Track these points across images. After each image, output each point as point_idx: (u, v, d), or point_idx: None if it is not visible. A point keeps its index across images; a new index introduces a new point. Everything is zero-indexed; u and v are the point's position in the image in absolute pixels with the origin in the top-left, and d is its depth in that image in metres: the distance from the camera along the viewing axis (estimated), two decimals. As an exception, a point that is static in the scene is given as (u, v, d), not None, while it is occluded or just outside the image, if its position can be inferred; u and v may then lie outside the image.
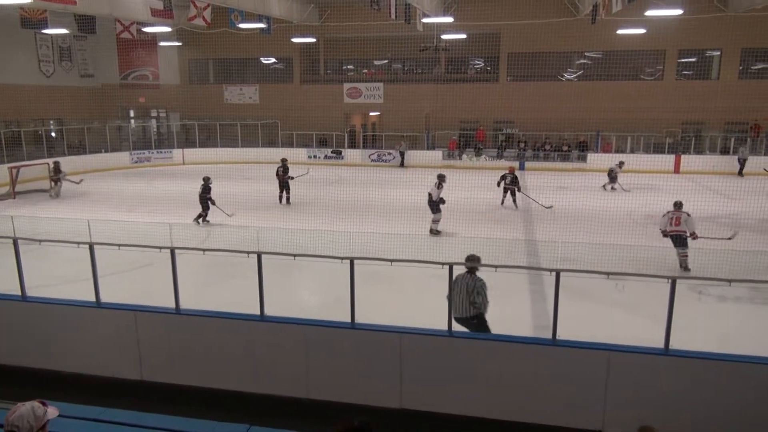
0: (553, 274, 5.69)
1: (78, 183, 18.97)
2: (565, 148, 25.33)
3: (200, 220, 14.44)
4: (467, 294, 6.29)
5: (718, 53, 25.14)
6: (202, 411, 5.57)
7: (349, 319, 6.14)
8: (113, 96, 29.35)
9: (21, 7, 17.84)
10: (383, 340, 6.11)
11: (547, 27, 23.33)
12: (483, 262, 6.46)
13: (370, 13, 20.54)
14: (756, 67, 25.10)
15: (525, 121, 26.36)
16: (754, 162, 22.52)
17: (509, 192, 16.43)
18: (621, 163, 19.93)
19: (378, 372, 6.15)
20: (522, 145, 26.08)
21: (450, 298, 6.23)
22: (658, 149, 24.96)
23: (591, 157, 24.26)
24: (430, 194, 13.44)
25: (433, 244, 8.90)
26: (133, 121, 30.80)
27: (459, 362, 5.93)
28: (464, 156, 26.19)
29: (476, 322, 6.38)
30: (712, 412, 5.39)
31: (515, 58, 26.60)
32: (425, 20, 21.20)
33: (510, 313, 6.98)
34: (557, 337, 5.69)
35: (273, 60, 29.74)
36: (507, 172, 16.55)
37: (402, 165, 26.09)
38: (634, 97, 24.70)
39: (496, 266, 6.16)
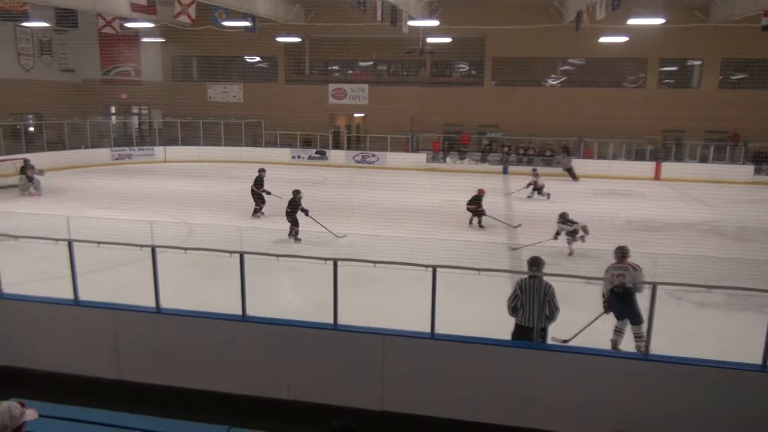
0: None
1: (41, 175, 18.52)
2: (548, 153, 25.54)
3: (258, 214, 15.04)
4: (540, 302, 6.05)
5: (699, 63, 25.59)
6: (182, 412, 5.50)
7: (332, 321, 6.12)
8: (94, 91, 28.84)
9: (1, -1, 17.52)
10: (366, 342, 6.09)
11: (532, 33, 23.54)
12: (463, 265, 6.45)
13: (356, 14, 20.54)
14: (736, 77, 25.60)
15: (509, 125, 26.57)
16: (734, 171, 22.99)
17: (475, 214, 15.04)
18: (534, 171, 19.73)
19: (360, 374, 6.13)
20: (506, 149, 26.25)
21: (517, 306, 6.12)
22: (640, 156, 25.30)
23: (573, 162, 24.50)
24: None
25: (417, 246, 8.95)
26: (114, 117, 30.39)
27: (442, 364, 5.93)
28: (448, 159, 26.29)
29: (544, 332, 6.20)
30: (689, 417, 5.46)
31: (500, 62, 26.81)
32: (411, 23, 21.25)
33: (493, 315, 6.98)
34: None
35: (258, 59, 29.57)
36: (477, 194, 15.13)
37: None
38: (616, 104, 25.03)
39: (479, 269, 6.16)
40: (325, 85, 28.76)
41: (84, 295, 6.71)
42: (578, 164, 23.88)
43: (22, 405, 2.74)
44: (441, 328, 6.03)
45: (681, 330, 7.72)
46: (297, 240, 12.77)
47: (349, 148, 28.09)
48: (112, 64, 29.61)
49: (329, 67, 30.58)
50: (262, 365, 6.32)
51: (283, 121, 27.33)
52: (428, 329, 5.99)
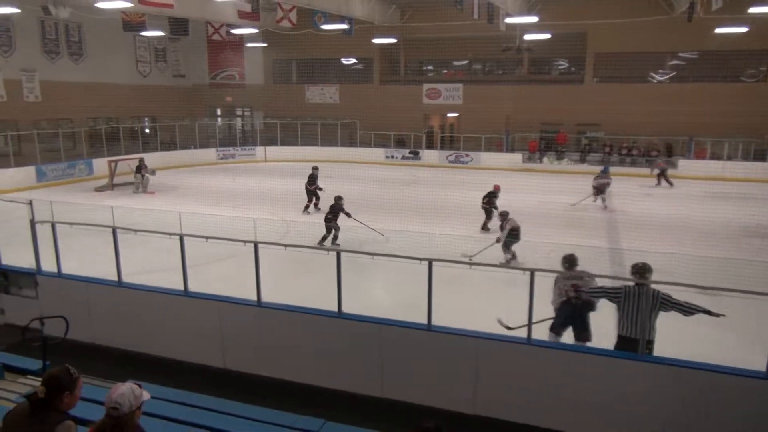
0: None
1: (153, 175, 19.96)
2: (654, 153, 24.09)
3: (311, 208, 15.56)
4: (647, 311, 5.64)
5: (832, 53, 23.12)
6: (280, 402, 5.70)
7: (425, 321, 6.11)
8: (202, 95, 30.79)
9: (123, 11, 19.03)
10: (460, 344, 6.02)
11: (638, 26, 22.26)
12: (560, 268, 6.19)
13: (451, 13, 20.40)
14: None
15: (611, 123, 25.28)
16: None
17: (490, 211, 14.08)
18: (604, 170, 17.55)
19: (453, 376, 6.07)
20: (607, 149, 25.06)
21: (627, 314, 5.75)
22: (758, 156, 23.23)
23: (683, 163, 22.94)
24: None
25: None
26: (219, 119, 32.17)
27: (538, 371, 5.75)
28: (545, 159, 25.51)
29: (650, 344, 5.71)
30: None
31: (602, 58, 25.57)
32: (508, 20, 20.82)
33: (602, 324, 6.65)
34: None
35: (354, 60, 30.15)
36: (492, 190, 14.25)
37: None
38: (732, 100, 23.08)
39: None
40: (420, 85, 28.82)
41: (192, 287, 7.14)
42: (689, 165, 22.34)
43: (140, 386, 2.93)
44: (536, 334, 5.86)
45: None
46: (335, 244, 12.27)
47: (442, 148, 27.98)
48: (218, 69, 31.35)
49: (424, 67, 30.63)
50: (356, 362, 6.42)
51: (377, 121, 27.67)
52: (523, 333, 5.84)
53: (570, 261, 6.70)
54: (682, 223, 13.33)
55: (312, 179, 15.87)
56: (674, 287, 5.75)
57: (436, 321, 6.13)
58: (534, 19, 21.09)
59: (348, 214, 12.76)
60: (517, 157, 25.68)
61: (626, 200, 17.73)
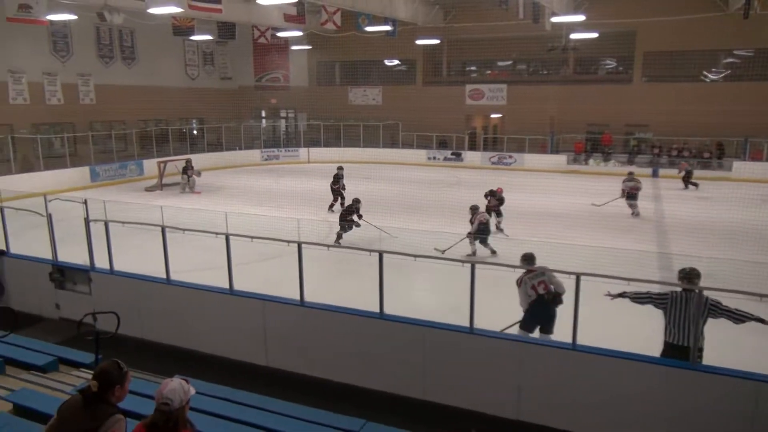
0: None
1: (198, 176, 20.44)
2: (707, 154, 23.25)
3: (333, 209, 15.85)
4: (696, 318, 5.38)
5: None
6: (322, 401, 5.74)
7: (467, 324, 6.05)
8: (248, 97, 31.41)
9: (173, 16, 19.57)
10: (503, 349, 5.94)
11: (691, 23, 21.54)
12: (608, 273, 6.01)
13: (496, 13, 20.21)
14: None
15: (660, 124, 24.49)
16: None
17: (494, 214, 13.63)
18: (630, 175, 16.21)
19: (496, 381, 5.99)
20: (656, 150, 24.32)
21: (675, 321, 5.54)
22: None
23: (737, 165, 22.04)
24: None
25: (558, 251, 8.55)
26: (264, 120, 32.73)
27: (583, 378, 5.62)
28: (591, 160, 24.94)
29: (700, 352, 5.48)
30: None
31: (652, 57, 24.83)
32: (554, 19, 20.44)
33: (645, 330, 6.46)
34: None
35: (397, 62, 30.19)
36: (496, 190, 13.90)
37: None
38: (793, 99, 22.07)
39: (628, 279, 5.73)
40: (463, 86, 28.61)
41: (237, 285, 7.28)
42: (744, 167, 21.43)
43: (187, 381, 3.00)
44: (581, 340, 5.72)
45: None
46: (337, 243, 12.21)
47: (485, 149, 27.71)
48: (263, 72, 31.89)
49: (467, 68, 30.39)
50: (398, 363, 6.42)
51: (419, 122, 27.62)
52: (568, 340, 5.71)
53: (528, 259, 6.79)
54: (735, 227, 12.79)
55: (336, 179, 16.39)
56: (725, 294, 5.52)
57: (479, 324, 6.07)
58: (581, 17, 20.64)
59: (360, 216, 12.96)
60: (561, 159, 25.20)
61: (677, 203, 17.17)
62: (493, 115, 29.15)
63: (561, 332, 5.87)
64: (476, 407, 6.03)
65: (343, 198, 16.08)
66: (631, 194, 15.68)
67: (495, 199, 13.63)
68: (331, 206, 16.28)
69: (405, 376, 6.40)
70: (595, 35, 22.36)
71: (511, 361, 5.89)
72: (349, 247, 7.56)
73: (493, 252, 11.32)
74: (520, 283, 6.66)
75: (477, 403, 6.05)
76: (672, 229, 14.13)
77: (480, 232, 11.29)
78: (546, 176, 22.00)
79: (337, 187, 16.33)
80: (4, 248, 9.07)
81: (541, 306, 6.53)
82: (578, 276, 5.59)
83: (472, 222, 11.56)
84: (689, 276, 5.64)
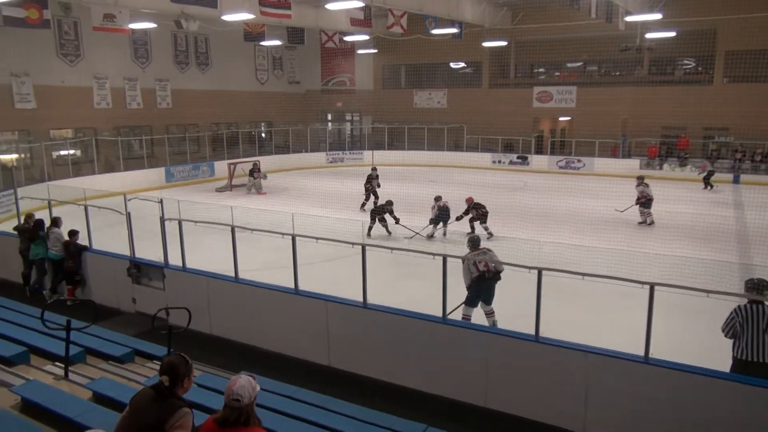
0: None
1: (264, 178, 20.97)
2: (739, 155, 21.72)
3: (364, 208, 16.42)
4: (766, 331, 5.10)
5: None
6: (383, 403, 5.75)
7: (533, 332, 5.91)
8: (315, 101, 32.02)
9: (245, 23, 20.22)
10: (567, 358, 5.76)
11: (777, 21, 20.24)
12: (689, 284, 5.71)
13: (566, 13, 19.68)
14: None
15: (743, 128, 23.05)
16: None
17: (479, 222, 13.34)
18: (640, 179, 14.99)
19: (560, 391, 5.81)
20: (738, 155, 22.95)
21: (737, 331, 5.27)
22: None
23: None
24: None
25: (627, 260, 8.21)
26: (330, 123, 33.27)
27: (656, 393, 5.36)
28: (665, 165, 23.82)
29: None
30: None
31: (734, 56, 23.45)
32: (628, 18, 19.70)
33: (719, 343, 6.11)
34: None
35: (462, 64, 29.96)
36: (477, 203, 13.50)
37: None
38: None
39: (707, 291, 5.42)
40: (530, 88, 28.02)
41: (302, 285, 7.40)
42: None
43: (253, 378, 3.06)
44: (655, 352, 5.46)
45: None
46: (368, 236, 13.21)
47: (552, 153, 27.02)
48: (330, 75, 32.42)
49: (535, 70, 29.75)
50: (460, 369, 6.33)
51: (485, 125, 27.27)
52: (638, 351, 5.46)
53: (474, 242, 7.91)
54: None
55: (369, 179, 17.05)
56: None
57: (544, 332, 5.91)
58: (657, 16, 19.76)
59: (396, 219, 13.49)
60: (634, 163, 24.19)
61: (760, 211, 16.13)
62: (561, 118, 28.40)
63: (631, 343, 5.62)
64: (539, 417, 5.88)
65: (376, 197, 16.60)
66: (645, 201, 14.58)
67: (478, 213, 13.18)
68: (363, 205, 16.84)
69: (467, 383, 6.31)
70: (672, 34, 21.37)
71: (576, 371, 5.68)
72: (412, 250, 7.54)
73: (445, 234, 13.19)
74: (464, 260, 7.38)
75: (540, 414, 5.89)
76: (755, 239, 13.28)
77: (439, 219, 13.15)
78: (619, 182, 21.17)
79: (369, 186, 16.92)
80: (87, 244, 9.63)
81: (483, 282, 7.39)
82: (652, 286, 5.35)
83: (434, 208, 13.16)
84: (758, 287, 5.32)
